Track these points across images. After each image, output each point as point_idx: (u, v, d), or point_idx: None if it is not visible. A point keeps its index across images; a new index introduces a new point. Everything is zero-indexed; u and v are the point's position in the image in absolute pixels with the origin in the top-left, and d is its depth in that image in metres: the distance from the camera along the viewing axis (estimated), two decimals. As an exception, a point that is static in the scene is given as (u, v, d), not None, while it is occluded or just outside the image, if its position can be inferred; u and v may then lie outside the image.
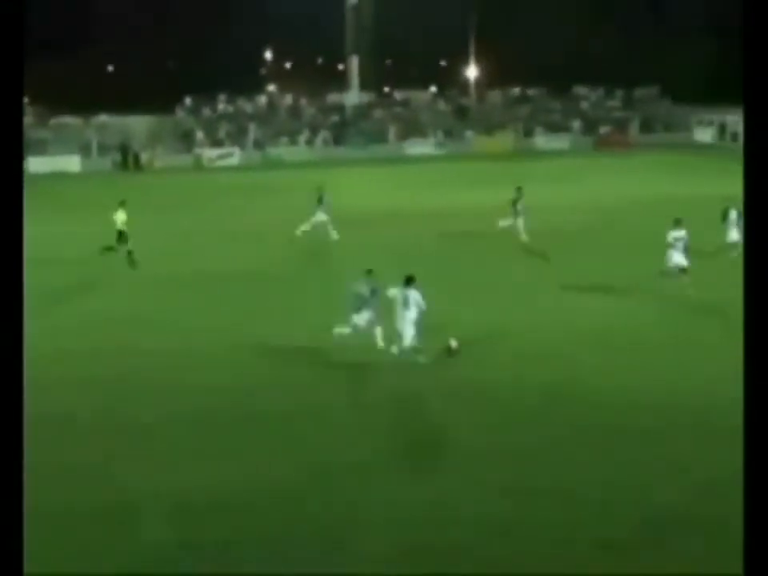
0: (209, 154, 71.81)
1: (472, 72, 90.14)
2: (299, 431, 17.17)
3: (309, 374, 20.43)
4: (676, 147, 73.84)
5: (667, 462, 15.42)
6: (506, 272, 30.66)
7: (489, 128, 79.40)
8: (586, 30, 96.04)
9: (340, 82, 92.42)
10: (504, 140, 77.22)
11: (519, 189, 35.34)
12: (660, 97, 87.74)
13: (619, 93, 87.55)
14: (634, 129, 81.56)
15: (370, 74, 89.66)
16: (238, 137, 74.80)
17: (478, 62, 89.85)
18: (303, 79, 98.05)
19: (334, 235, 36.31)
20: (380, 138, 76.72)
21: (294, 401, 18.71)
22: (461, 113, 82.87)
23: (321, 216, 36.55)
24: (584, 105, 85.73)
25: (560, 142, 78.25)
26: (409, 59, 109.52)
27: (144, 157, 69.72)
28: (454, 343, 21.12)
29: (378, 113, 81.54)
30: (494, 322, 24.06)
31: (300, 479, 15.08)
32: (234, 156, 72.46)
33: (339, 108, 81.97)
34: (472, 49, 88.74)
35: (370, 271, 21.12)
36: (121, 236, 32.08)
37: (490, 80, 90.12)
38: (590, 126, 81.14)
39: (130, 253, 32.01)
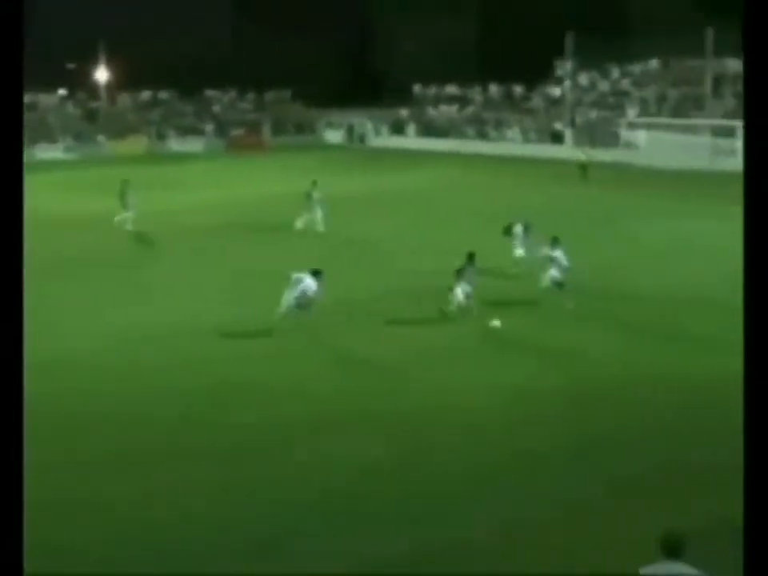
0: None
1: (102, 75, 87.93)
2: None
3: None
4: (308, 148, 76.13)
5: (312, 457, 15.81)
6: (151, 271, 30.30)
7: (121, 132, 77.98)
8: (214, 32, 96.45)
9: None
10: (137, 144, 76.17)
11: (315, 182, 37.01)
12: (291, 100, 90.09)
13: (251, 95, 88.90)
14: (266, 131, 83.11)
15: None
16: None
17: (108, 64, 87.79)
18: None
19: None
20: (6, 142, 72.94)
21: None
22: (91, 116, 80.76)
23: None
24: (216, 108, 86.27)
25: (193, 144, 78.30)
26: (35, 61, 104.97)
27: None
28: (496, 323, 22.42)
29: (2, 117, 77.56)
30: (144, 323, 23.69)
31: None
32: None
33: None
34: (102, 51, 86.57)
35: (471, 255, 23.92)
36: None
37: (120, 83, 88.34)
38: (222, 129, 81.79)
39: None
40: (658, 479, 14.28)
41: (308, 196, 36.73)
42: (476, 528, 12.90)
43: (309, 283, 22.15)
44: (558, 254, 24.50)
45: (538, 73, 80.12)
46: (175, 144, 78.22)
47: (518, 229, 29.14)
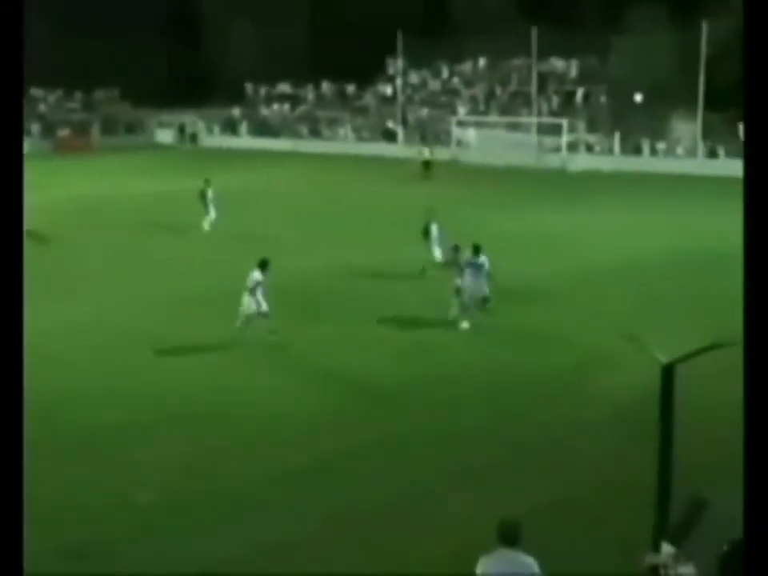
0: None
1: None
2: None
3: None
4: (138, 149, 74.64)
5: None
6: None
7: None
8: (38, 29, 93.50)
9: None
10: (-42, 145, 73.21)
11: (207, 180, 36.27)
12: (120, 99, 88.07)
13: (78, 95, 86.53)
14: (95, 131, 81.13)
15: None
16: None
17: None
18: None
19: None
20: None
21: None
22: None
23: None
24: (42, 107, 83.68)
25: (19, 145, 75.71)
26: None
27: None
28: (465, 324, 21.95)
29: None
30: None
31: None
32: None
33: None
34: None
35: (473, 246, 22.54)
36: None
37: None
38: (49, 129, 79.43)
39: None
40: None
41: (203, 195, 36.10)
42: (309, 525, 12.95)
43: (255, 276, 20.61)
44: (482, 260, 22.35)
45: (369, 71, 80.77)
46: (-2, 145, 75.50)
47: (434, 229, 27.77)
